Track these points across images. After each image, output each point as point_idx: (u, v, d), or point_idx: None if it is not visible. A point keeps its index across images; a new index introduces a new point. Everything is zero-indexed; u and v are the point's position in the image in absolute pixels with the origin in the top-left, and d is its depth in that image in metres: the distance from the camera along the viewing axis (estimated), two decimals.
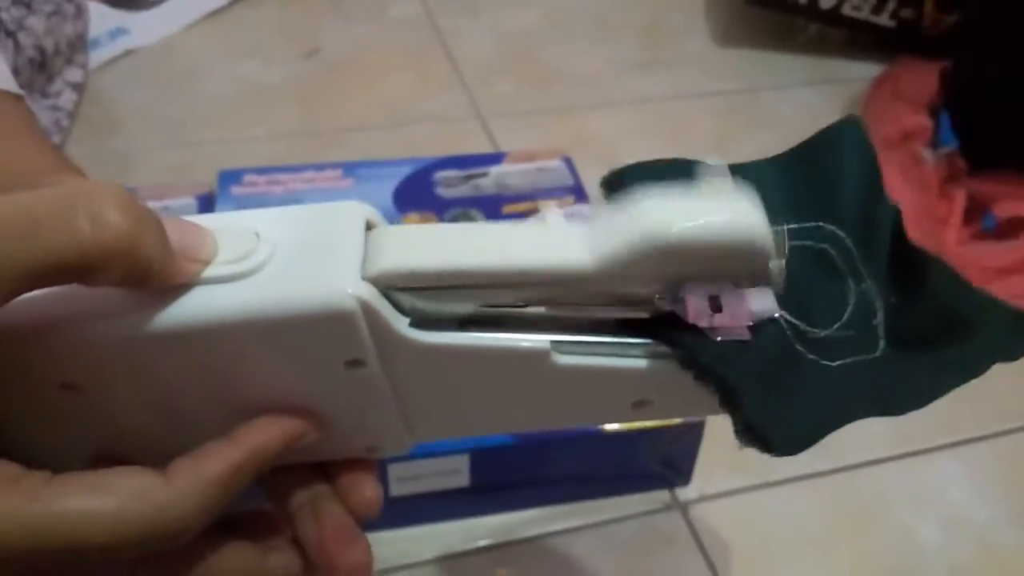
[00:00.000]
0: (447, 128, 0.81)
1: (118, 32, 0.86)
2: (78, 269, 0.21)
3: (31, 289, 0.21)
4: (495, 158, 0.67)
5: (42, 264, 0.20)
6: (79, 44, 0.80)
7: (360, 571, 0.27)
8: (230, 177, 0.63)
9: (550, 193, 0.63)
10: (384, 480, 0.47)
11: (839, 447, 0.56)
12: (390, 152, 0.73)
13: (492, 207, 0.61)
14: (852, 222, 0.27)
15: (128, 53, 0.86)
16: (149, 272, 0.22)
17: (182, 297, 0.23)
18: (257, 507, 0.29)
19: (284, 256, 0.23)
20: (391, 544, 0.49)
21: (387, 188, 0.62)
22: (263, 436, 0.25)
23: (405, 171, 0.64)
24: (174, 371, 0.24)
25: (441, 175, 0.64)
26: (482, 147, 0.79)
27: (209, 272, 0.23)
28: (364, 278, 0.23)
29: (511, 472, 0.49)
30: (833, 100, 0.85)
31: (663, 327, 0.25)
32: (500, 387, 0.26)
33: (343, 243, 0.24)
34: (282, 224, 0.24)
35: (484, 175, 0.64)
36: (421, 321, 0.24)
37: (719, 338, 0.24)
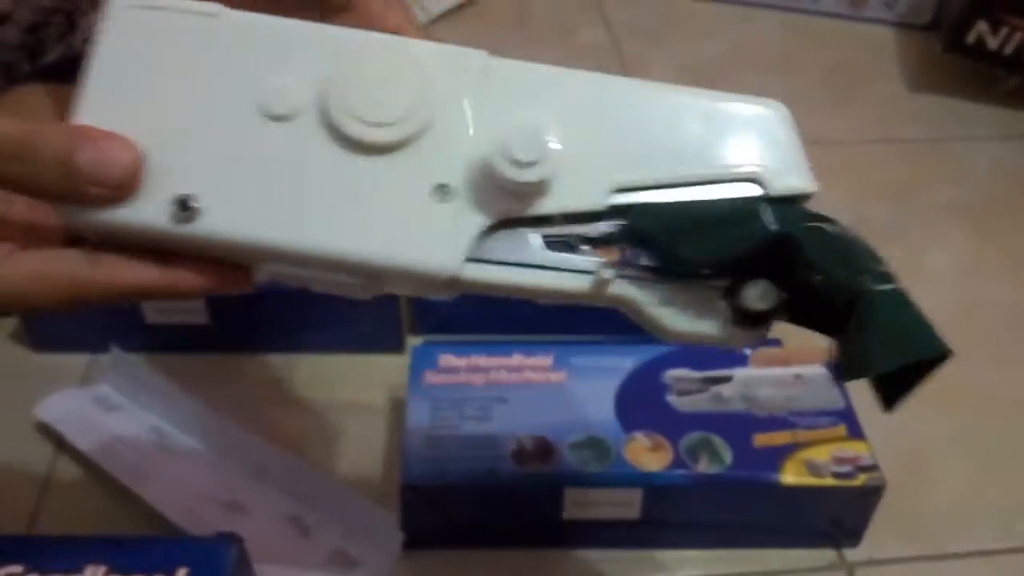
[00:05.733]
0: None
1: None
2: None
3: None
4: (739, 358, 0.54)
5: None
6: None
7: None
8: (424, 355, 0.55)
9: (814, 420, 0.51)
10: (560, 503, 0.49)
11: (1021, 526, 0.54)
12: None
13: (741, 435, 0.50)
14: None
15: None
16: None
17: None
18: None
19: None
20: (560, 563, 0.51)
21: (608, 389, 0.53)
22: None
23: (628, 364, 0.54)
24: None
25: (672, 375, 0.53)
26: None
27: None
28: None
29: (681, 511, 0.50)
30: None
31: None
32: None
33: None
34: None
35: (726, 380, 0.53)
36: None
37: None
